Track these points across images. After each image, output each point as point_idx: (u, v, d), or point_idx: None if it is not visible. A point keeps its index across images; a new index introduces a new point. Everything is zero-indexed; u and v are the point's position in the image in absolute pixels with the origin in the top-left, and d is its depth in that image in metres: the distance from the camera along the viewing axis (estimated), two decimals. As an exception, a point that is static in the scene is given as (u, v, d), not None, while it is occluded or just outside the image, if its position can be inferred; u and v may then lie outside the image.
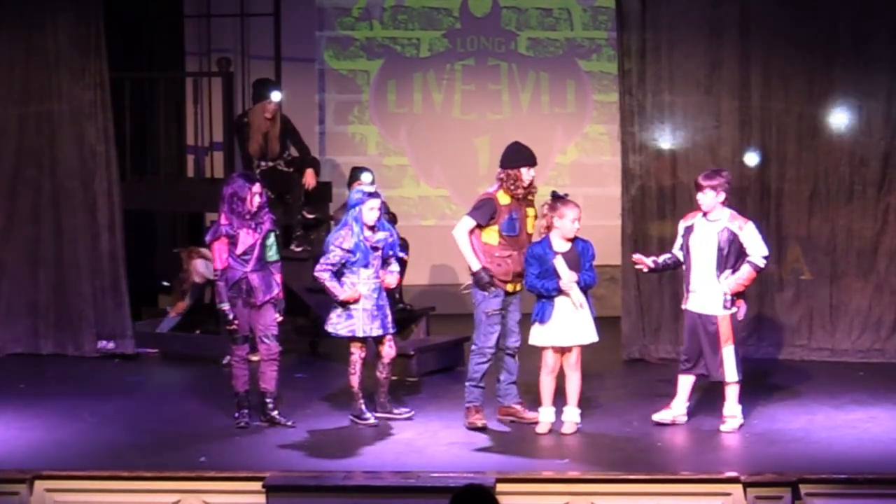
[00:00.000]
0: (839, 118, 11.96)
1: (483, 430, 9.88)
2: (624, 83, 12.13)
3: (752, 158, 12.00)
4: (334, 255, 9.86)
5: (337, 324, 9.97)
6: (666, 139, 12.07)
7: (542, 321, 9.66)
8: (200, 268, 12.60)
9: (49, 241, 12.37)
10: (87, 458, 9.12)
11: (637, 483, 8.52)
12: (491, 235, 9.91)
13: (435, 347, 11.86)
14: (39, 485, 8.55)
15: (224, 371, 11.25)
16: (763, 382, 11.13)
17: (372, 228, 9.90)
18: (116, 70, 12.55)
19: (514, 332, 10.00)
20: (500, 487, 8.26)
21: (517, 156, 9.98)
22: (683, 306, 9.98)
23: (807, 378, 11.35)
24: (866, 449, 9.23)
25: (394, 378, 10.42)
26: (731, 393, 9.85)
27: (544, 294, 9.65)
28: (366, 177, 12.53)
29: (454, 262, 13.94)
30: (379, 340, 10.03)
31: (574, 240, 9.70)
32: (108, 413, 10.39)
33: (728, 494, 8.37)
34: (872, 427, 9.79)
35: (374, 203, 9.89)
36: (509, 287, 9.93)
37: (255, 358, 10.08)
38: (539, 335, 9.72)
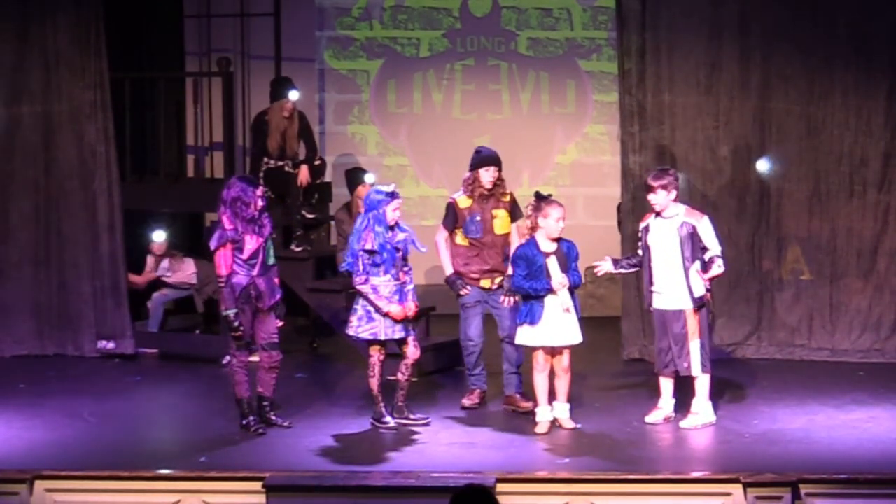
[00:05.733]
0: (839, 118, 11.95)
1: (470, 408, 10.29)
2: (624, 83, 12.13)
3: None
4: (359, 262, 9.79)
5: (358, 327, 9.88)
6: (666, 139, 12.06)
7: (532, 322, 9.70)
8: (186, 264, 12.76)
9: (49, 242, 12.37)
10: (87, 458, 9.11)
11: (637, 483, 8.52)
12: (460, 238, 10.34)
13: (435, 347, 11.86)
14: (39, 485, 8.55)
15: (224, 370, 11.26)
16: (763, 382, 11.13)
17: (392, 228, 9.88)
18: (116, 70, 12.55)
19: (508, 319, 10.18)
20: (500, 487, 8.27)
21: (475, 158, 10.39)
22: (650, 308, 10.05)
23: (807, 378, 11.35)
24: (866, 449, 9.23)
25: (414, 380, 10.43)
26: (701, 388, 9.94)
27: (533, 295, 9.67)
28: (369, 177, 12.52)
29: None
30: (402, 342, 9.98)
31: (559, 240, 9.74)
32: (108, 413, 10.38)
33: (728, 494, 8.38)
34: (872, 427, 9.79)
35: (397, 203, 9.88)
36: (484, 283, 10.30)
37: (254, 359, 10.06)
38: (529, 336, 9.76)
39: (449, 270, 10.34)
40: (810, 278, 12.10)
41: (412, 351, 9.96)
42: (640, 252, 10.07)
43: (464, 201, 10.31)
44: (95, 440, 9.67)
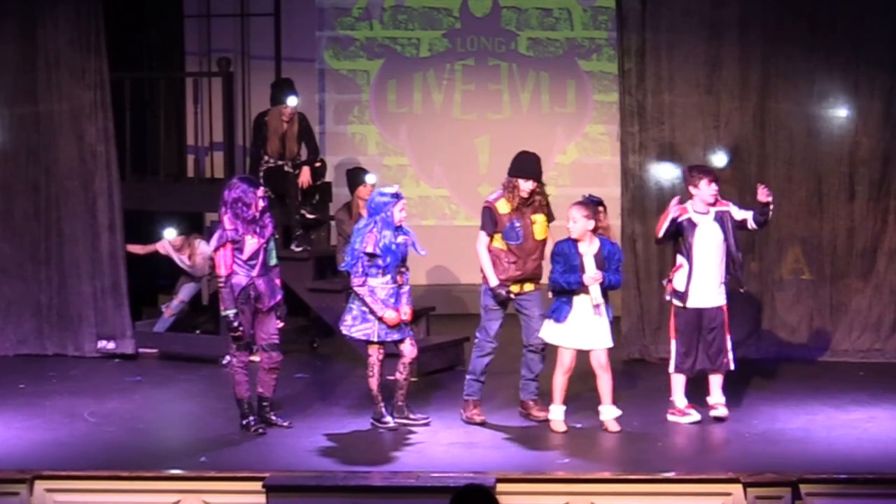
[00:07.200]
0: (839, 118, 11.96)
1: (481, 425, 9.96)
2: (624, 83, 12.13)
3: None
4: (359, 263, 9.76)
5: (352, 326, 9.89)
6: (666, 139, 12.06)
7: (557, 320, 9.70)
8: (202, 246, 12.68)
9: (49, 242, 12.37)
10: (87, 458, 9.11)
11: (637, 483, 8.52)
12: (499, 241, 9.99)
13: (435, 347, 11.86)
14: (39, 485, 8.55)
15: (224, 370, 11.26)
16: (763, 382, 11.13)
17: (396, 230, 9.84)
18: (116, 70, 12.54)
19: (536, 329, 9.97)
20: (500, 487, 8.27)
21: (517, 166, 10.01)
22: (683, 305, 9.96)
23: (807, 378, 11.35)
24: (866, 449, 9.24)
25: (413, 380, 10.41)
26: (721, 381, 10.03)
27: (566, 288, 9.64)
28: (370, 177, 12.50)
29: (454, 262, 13.96)
30: (399, 341, 9.92)
31: (602, 241, 9.74)
32: (108, 413, 10.39)
33: (728, 494, 8.38)
34: (872, 427, 9.80)
35: (403, 203, 9.83)
36: (513, 288, 9.98)
37: (254, 358, 10.07)
38: (553, 333, 9.75)
39: (494, 281, 9.89)
40: (810, 278, 12.10)
41: (409, 350, 9.93)
42: (682, 251, 9.94)
43: (503, 206, 9.95)
44: (95, 440, 9.67)
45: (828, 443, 9.41)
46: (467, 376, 10.13)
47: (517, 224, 9.93)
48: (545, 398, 10.10)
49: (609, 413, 9.78)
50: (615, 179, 12.70)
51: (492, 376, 10.34)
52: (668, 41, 12.02)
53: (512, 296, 9.97)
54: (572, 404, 10.20)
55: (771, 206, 10.01)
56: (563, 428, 9.74)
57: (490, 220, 9.95)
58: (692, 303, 9.92)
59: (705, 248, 9.88)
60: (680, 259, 9.97)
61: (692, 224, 9.89)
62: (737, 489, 8.36)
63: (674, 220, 9.89)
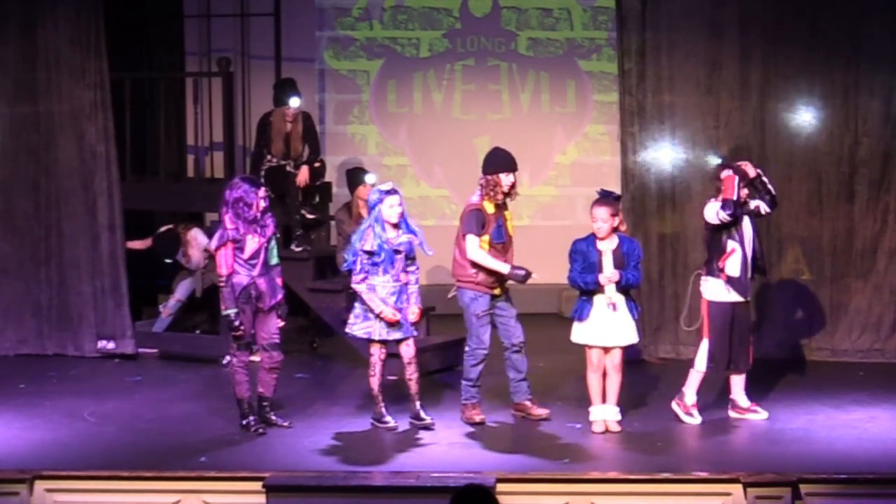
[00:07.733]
0: (839, 118, 11.96)
1: (481, 424, 9.94)
2: (624, 83, 12.13)
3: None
4: (359, 261, 9.78)
5: (354, 324, 9.89)
6: (666, 139, 12.07)
7: (579, 319, 9.70)
8: (199, 236, 12.67)
9: (49, 241, 12.37)
10: (87, 458, 9.11)
11: (637, 483, 8.52)
12: (483, 244, 9.95)
13: (435, 347, 11.86)
14: (39, 485, 8.55)
15: (224, 370, 11.26)
16: (763, 382, 11.12)
17: (396, 228, 9.85)
18: (116, 70, 12.55)
19: (516, 327, 10.02)
20: (500, 487, 8.26)
21: (495, 161, 10.01)
22: (721, 299, 9.87)
23: (807, 378, 11.35)
24: (866, 449, 9.23)
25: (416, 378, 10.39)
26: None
27: (583, 287, 9.64)
28: (370, 177, 12.52)
29: (454, 262, 13.94)
30: (400, 340, 9.91)
31: (620, 238, 9.71)
32: (108, 413, 10.39)
33: (728, 494, 8.37)
34: (872, 427, 9.79)
35: (394, 200, 9.79)
36: (496, 291, 10.01)
37: (255, 358, 10.07)
38: (578, 333, 9.74)
39: (505, 268, 9.86)
40: (810, 278, 12.10)
41: (405, 350, 9.91)
42: (733, 237, 9.85)
43: (489, 207, 9.94)
44: (95, 440, 9.67)
45: (828, 443, 9.41)
46: (463, 382, 10.11)
47: (500, 223, 9.99)
48: (539, 396, 10.11)
49: (611, 413, 9.78)
50: (615, 179, 12.68)
51: (487, 377, 10.32)
52: (668, 41, 12.02)
53: (535, 275, 9.92)
54: (571, 404, 10.23)
55: (764, 179, 9.98)
56: (601, 429, 9.70)
57: (478, 223, 9.93)
58: (735, 296, 9.85)
59: (747, 240, 9.88)
60: (732, 244, 9.84)
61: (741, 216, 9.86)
62: (737, 489, 8.36)
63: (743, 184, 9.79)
